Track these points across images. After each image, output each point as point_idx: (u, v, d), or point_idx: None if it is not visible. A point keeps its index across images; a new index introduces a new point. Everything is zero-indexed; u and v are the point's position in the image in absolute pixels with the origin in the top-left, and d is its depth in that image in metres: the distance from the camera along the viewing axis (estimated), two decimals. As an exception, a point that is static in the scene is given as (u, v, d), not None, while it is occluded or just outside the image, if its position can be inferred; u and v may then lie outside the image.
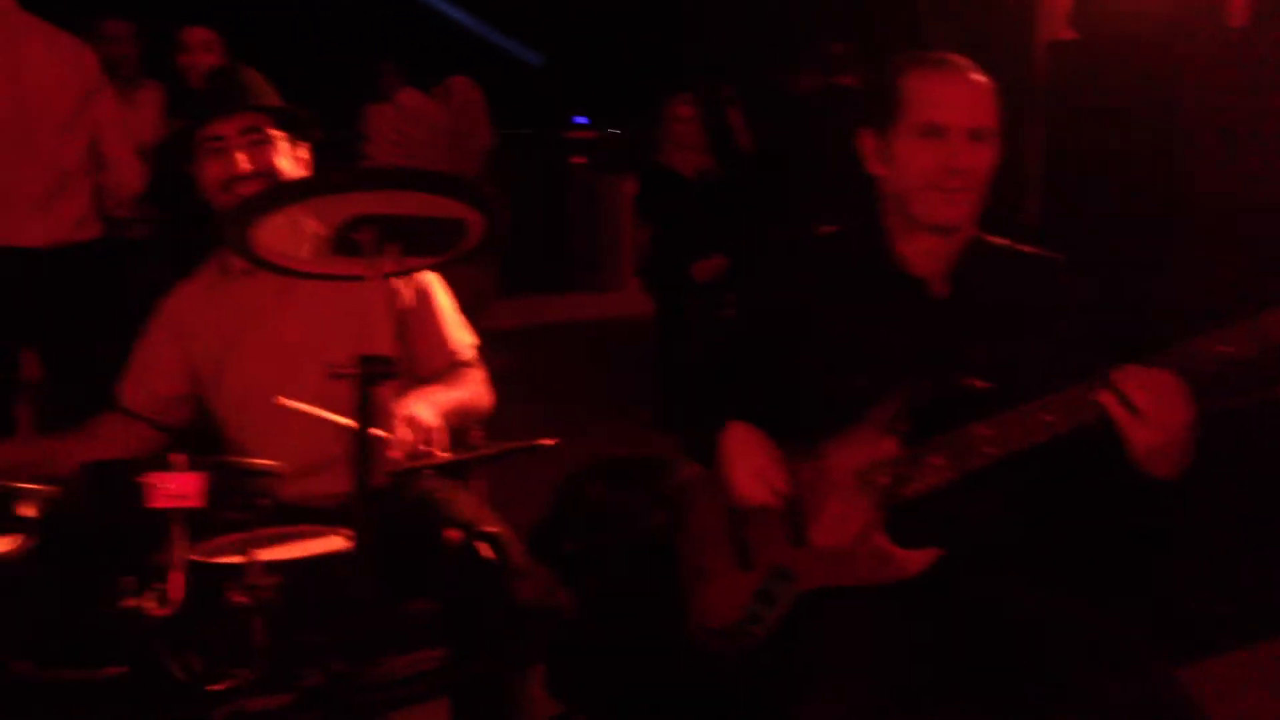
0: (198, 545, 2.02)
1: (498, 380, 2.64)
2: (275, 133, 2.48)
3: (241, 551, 1.93)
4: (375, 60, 7.93)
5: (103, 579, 1.94)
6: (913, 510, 2.04)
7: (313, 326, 2.44)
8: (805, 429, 2.14)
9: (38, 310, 3.71)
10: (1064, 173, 4.42)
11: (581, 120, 11.82)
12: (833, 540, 2.08)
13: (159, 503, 1.82)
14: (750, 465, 2.10)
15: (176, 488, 1.82)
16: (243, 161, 2.43)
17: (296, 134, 2.52)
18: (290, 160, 2.50)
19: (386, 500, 1.79)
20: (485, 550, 2.05)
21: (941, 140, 2.06)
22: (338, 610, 1.95)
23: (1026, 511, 2.12)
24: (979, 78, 2.11)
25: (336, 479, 2.23)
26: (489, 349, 2.71)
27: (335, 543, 2.10)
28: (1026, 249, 2.22)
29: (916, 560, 2.03)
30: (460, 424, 2.38)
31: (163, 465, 1.84)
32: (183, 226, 4.26)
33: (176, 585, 1.83)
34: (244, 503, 1.95)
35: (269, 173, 2.43)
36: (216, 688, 1.87)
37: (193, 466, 1.86)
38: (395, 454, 2.16)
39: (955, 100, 2.08)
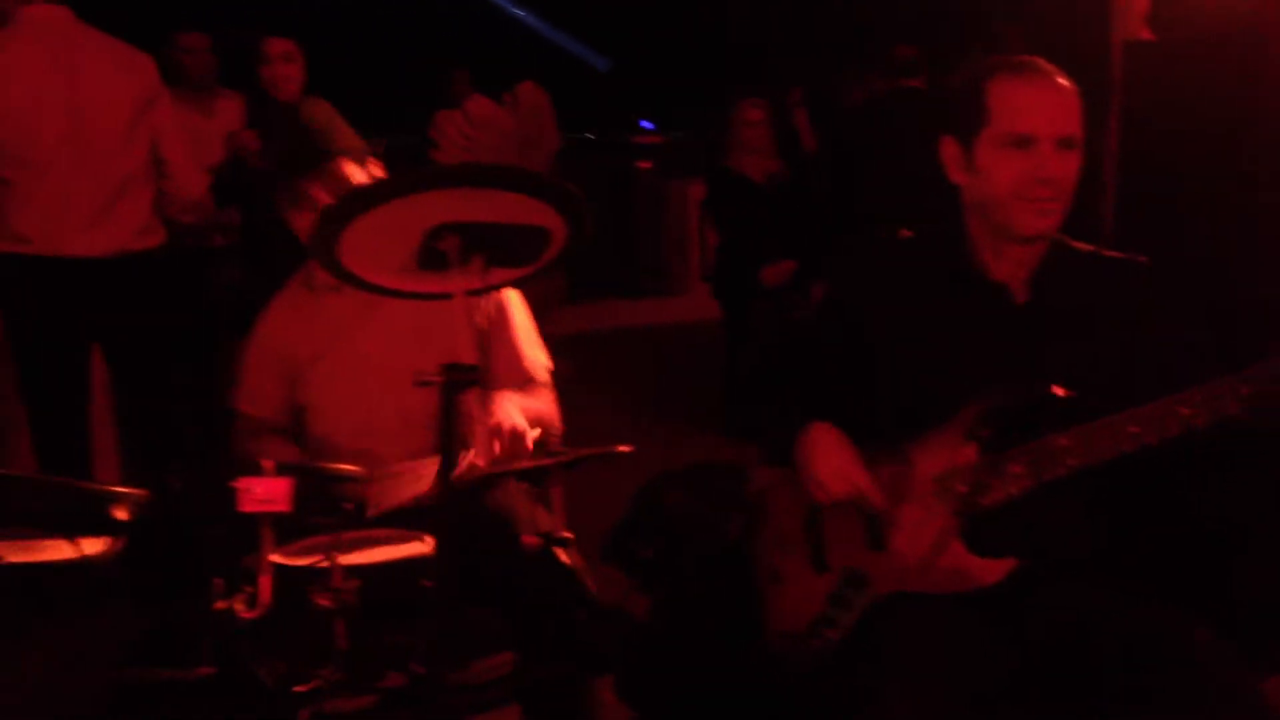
0: (283, 548, 2.07)
1: (565, 385, 2.66)
2: (352, 169, 2.53)
3: (325, 556, 1.97)
4: (446, 66, 8.00)
5: (193, 581, 2.00)
6: (991, 519, 2.02)
7: (394, 339, 2.48)
8: (882, 435, 2.14)
9: (103, 318, 3.77)
10: (1139, 176, 4.34)
11: (647, 125, 11.83)
12: (909, 546, 2.07)
13: (249, 507, 1.87)
14: (832, 462, 2.09)
15: (265, 492, 1.87)
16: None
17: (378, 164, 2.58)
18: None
19: (466, 506, 1.82)
20: (562, 556, 2.06)
21: (1029, 150, 2.02)
22: (418, 614, 1.98)
23: (1107, 521, 2.10)
24: (1065, 83, 2.07)
25: (419, 485, 2.27)
26: (555, 354, 2.74)
27: (416, 548, 2.13)
28: (1111, 254, 2.17)
29: (993, 570, 2.01)
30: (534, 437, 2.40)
31: (253, 470, 1.89)
32: (261, 233, 4.35)
33: (265, 588, 1.87)
34: (328, 508, 1.99)
35: None
36: (300, 689, 1.91)
37: (280, 472, 1.90)
38: (478, 460, 2.19)
39: (1043, 108, 2.03)
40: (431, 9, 11.00)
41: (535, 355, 2.67)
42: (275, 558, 1.94)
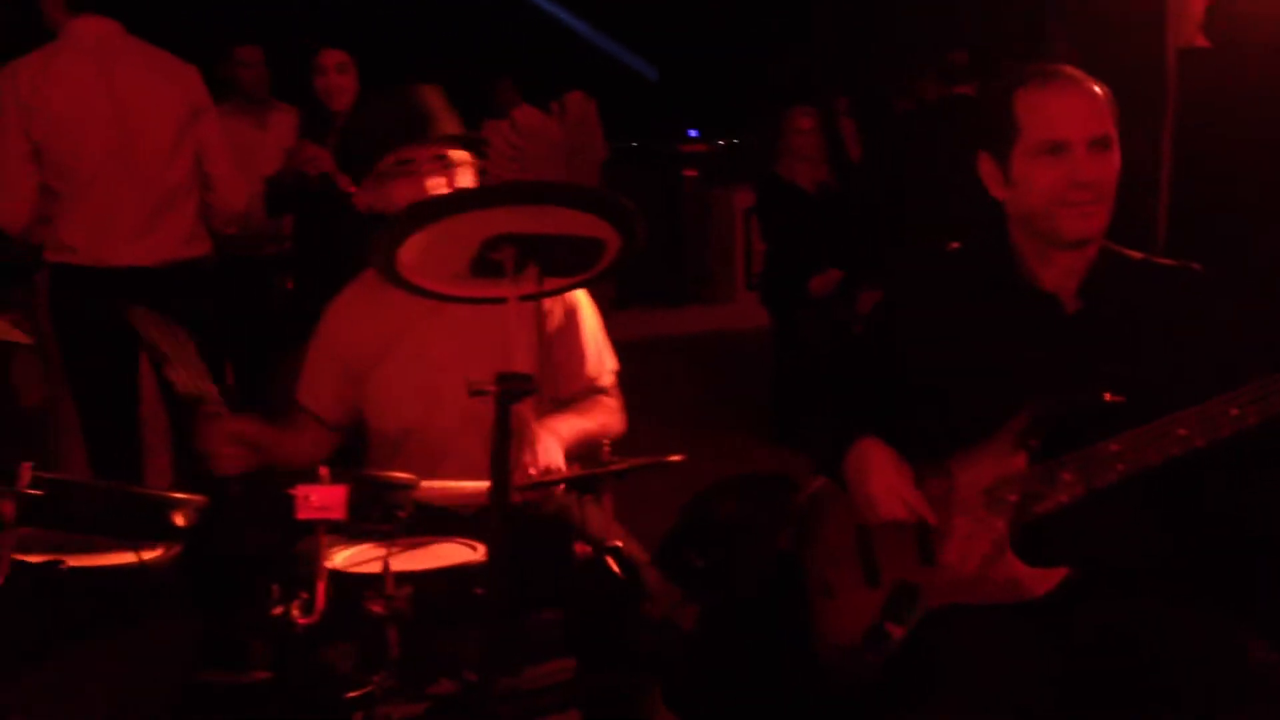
0: (338, 555, 2.09)
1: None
2: (458, 155, 2.55)
3: (379, 562, 1.99)
4: (493, 75, 8.05)
5: (246, 586, 2.03)
6: (1042, 528, 2.01)
7: (460, 343, 2.49)
8: (932, 445, 2.13)
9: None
10: (1193, 184, 4.30)
11: (693, 133, 11.83)
12: (961, 558, 2.06)
13: (305, 514, 1.89)
14: (883, 482, 2.08)
15: (321, 500, 1.89)
16: (433, 185, 2.48)
17: (476, 156, 2.58)
18: (471, 183, 2.55)
19: (519, 513, 1.83)
20: (614, 564, 2.07)
21: (1063, 155, 2.02)
22: (470, 621, 1.99)
23: (1158, 528, 2.08)
24: (1090, 84, 2.06)
25: (473, 492, 2.29)
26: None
27: (468, 555, 2.15)
28: (1163, 261, 2.16)
29: (1046, 579, 2.00)
30: (588, 450, 2.41)
31: (309, 477, 1.91)
32: (314, 243, 4.40)
33: (320, 594, 1.89)
34: (383, 515, 2.01)
35: None
36: (353, 694, 1.93)
37: (336, 479, 1.93)
38: (531, 469, 2.20)
39: (1071, 112, 2.03)
40: (479, 18, 11.07)
41: (602, 360, 2.67)
42: (331, 564, 1.96)
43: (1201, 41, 4.44)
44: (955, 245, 2.27)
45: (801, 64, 9.09)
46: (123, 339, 3.78)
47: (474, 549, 2.18)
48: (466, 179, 2.54)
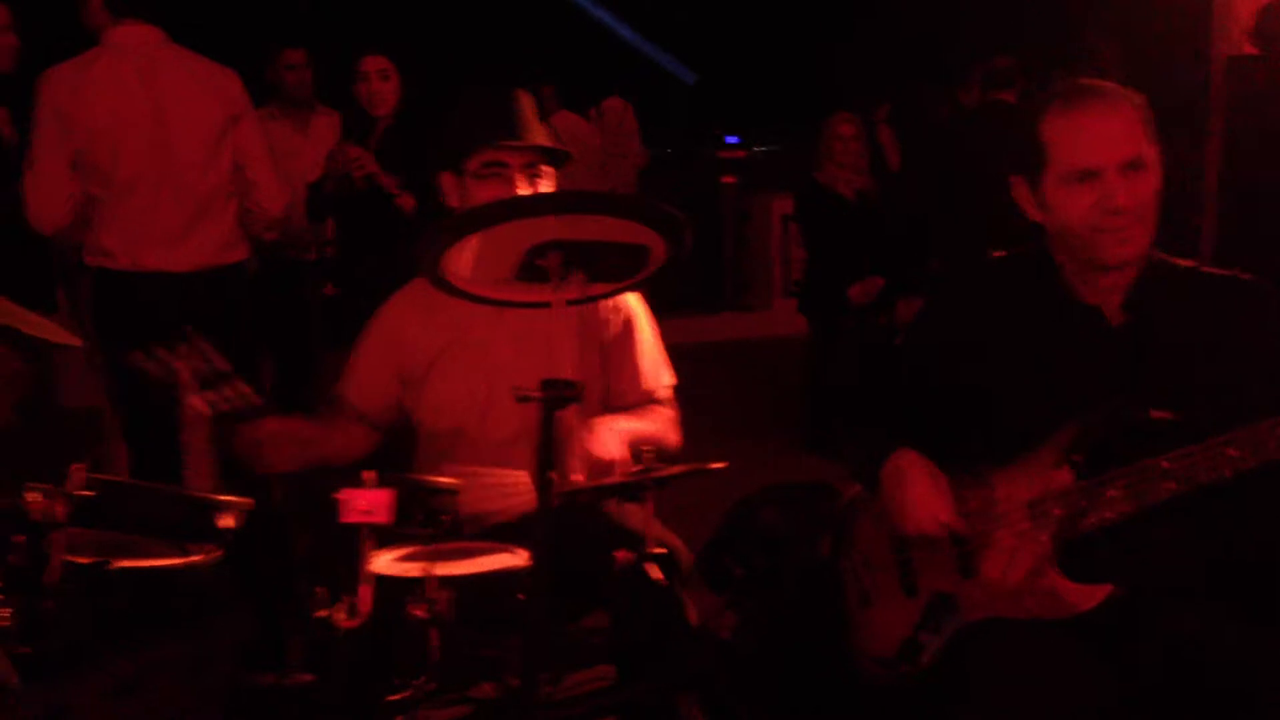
0: (381, 558, 2.10)
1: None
2: (546, 169, 2.55)
3: (422, 566, 2.00)
4: (534, 82, 8.08)
5: (287, 589, 2.04)
6: (1087, 544, 1.99)
7: (516, 349, 2.50)
8: (974, 456, 2.12)
9: (190, 330, 3.84)
10: (1240, 192, 4.26)
11: (731, 140, 11.81)
12: (1001, 572, 2.04)
13: (350, 518, 1.90)
14: (918, 494, 2.07)
15: (366, 504, 1.90)
16: (521, 190, 2.48)
17: (558, 168, 2.59)
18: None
19: (562, 519, 1.83)
20: (655, 572, 2.07)
21: (1095, 182, 1.98)
22: (512, 626, 2.00)
23: (1209, 545, 2.05)
24: (1119, 103, 2.01)
25: (516, 498, 2.29)
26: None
27: (510, 560, 2.15)
28: (1212, 271, 2.12)
29: (1090, 596, 1.97)
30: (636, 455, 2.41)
31: (355, 481, 1.92)
32: (356, 247, 4.43)
33: (365, 598, 1.90)
34: (427, 519, 2.02)
35: None
36: (394, 698, 1.94)
37: (381, 483, 1.94)
38: (576, 475, 2.21)
39: (1100, 138, 1.98)
40: (520, 23, 11.12)
41: (657, 372, 2.67)
42: (375, 568, 1.97)
43: (1249, 49, 4.40)
44: (998, 255, 2.25)
45: (842, 70, 9.07)
46: (161, 342, 3.82)
47: (515, 554, 2.18)
48: (549, 188, 2.54)
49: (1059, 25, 6.15)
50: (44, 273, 3.96)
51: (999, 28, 6.86)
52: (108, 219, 3.75)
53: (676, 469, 2.14)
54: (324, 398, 2.77)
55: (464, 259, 1.89)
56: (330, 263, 4.74)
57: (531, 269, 1.86)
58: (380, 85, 4.35)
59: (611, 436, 2.34)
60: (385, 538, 2.08)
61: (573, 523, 2.26)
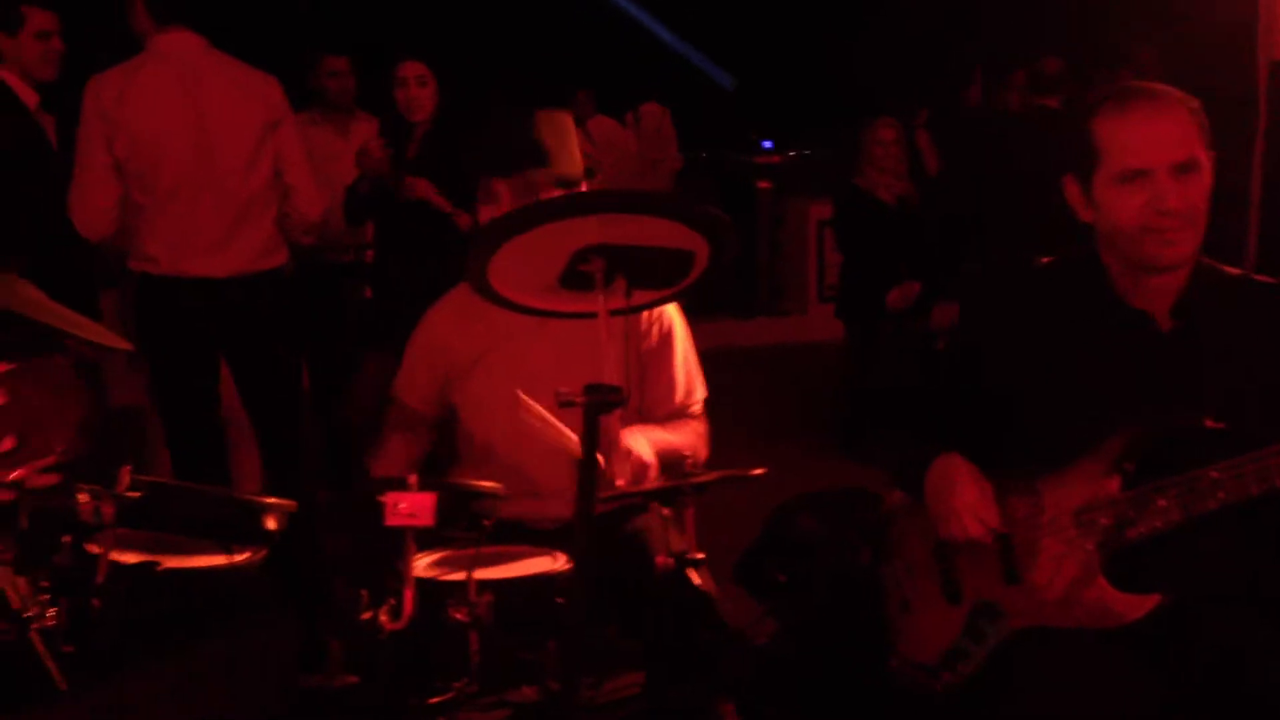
0: (421, 561, 2.11)
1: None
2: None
3: (463, 570, 2.01)
4: (570, 87, 8.10)
5: (328, 591, 2.05)
6: (1136, 553, 1.97)
7: (562, 353, 2.51)
8: (1019, 463, 2.10)
9: (229, 335, 3.87)
10: (1285, 197, 4.22)
11: (767, 144, 11.78)
12: (1047, 580, 2.02)
13: (394, 521, 1.91)
14: (962, 500, 2.05)
15: (409, 507, 1.91)
16: None
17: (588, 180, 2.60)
18: None
19: (602, 524, 1.83)
20: (695, 578, 2.07)
21: (1145, 183, 1.96)
22: (552, 630, 2.00)
23: (1261, 555, 2.02)
24: (1174, 106, 2.00)
25: (559, 501, 2.30)
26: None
27: (550, 564, 2.16)
28: (1261, 279, 2.10)
29: (1138, 605, 1.96)
30: (670, 465, 2.41)
31: (399, 485, 1.93)
32: (392, 250, 4.45)
33: (408, 600, 1.91)
34: (469, 523, 2.03)
35: None
36: (435, 700, 1.95)
37: (424, 487, 1.95)
38: (617, 481, 2.21)
39: (1152, 139, 1.97)
40: (558, 27, 11.13)
41: (691, 385, 2.68)
42: (418, 571, 1.98)
43: (1294, 54, 4.35)
44: (1045, 260, 2.24)
45: (881, 75, 9.04)
46: (202, 349, 3.86)
47: (555, 558, 2.19)
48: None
49: (1098, 29, 6.11)
50: (86, 279, 4.00)
51: (1037, 32, 6.82)
52: (151, 225, 3.78)
53: (716, 474, 2.14)
54: (358, 402, 2.80)
55: (509, 267, 1.89)
56: (368, 266, 4.76)
57: (575, 275, 1.86)
58: (418, 91, 4.36)
59: (644, 446, 2.34)
60: (424, 540, 2.10)
61: (612, 527, 2.26)
